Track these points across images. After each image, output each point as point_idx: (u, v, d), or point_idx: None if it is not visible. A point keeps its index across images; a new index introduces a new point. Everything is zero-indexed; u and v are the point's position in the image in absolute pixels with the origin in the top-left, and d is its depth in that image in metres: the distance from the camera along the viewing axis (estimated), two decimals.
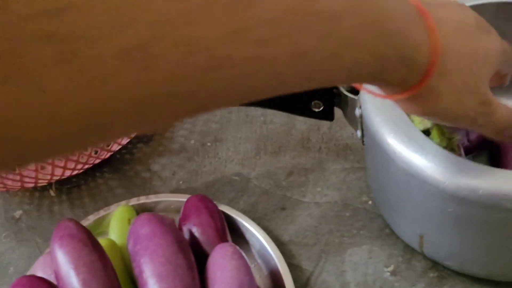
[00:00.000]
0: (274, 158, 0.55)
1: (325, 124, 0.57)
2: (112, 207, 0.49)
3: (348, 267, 0.46)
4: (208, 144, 0.57)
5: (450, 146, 0.38)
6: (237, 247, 0.41)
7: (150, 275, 0.37)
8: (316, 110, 0.46)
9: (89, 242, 0.38)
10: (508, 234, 0.36)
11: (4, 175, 0.45)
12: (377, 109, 0.39)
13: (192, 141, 0.57)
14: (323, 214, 0.50)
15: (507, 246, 0.37)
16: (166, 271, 0.37)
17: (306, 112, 0.47)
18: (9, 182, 0.47)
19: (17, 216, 0.52)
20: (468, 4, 0.39)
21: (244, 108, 0.60)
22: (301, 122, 0.58)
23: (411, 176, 0.36)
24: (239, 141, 0.57)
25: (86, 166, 0.50)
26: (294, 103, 0.46)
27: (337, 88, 0.44)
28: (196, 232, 0.44)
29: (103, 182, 0.54)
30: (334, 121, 0.56)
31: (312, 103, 0.46)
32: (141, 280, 0.37)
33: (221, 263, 0.39)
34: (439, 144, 0.37)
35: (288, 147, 0.56)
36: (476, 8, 0.36)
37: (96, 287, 0.36)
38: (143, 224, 0.40)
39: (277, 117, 0.59)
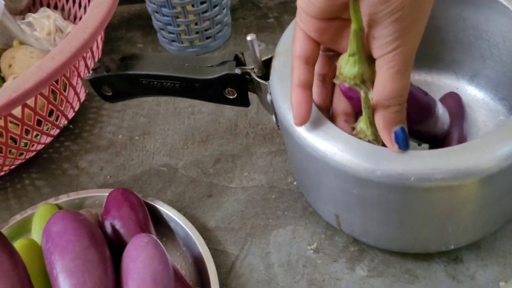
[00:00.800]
0: (201, 147, 0.55)
1: (252, 109, 0.58)
2: (39, 205, 0.49)
3: (272, 248, 0.46)
4: (136, 138, 0.57)
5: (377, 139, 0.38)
6: (153, 237, 0.41)
7: (60, 271, 0.37)
8: (231, 97, 0.46)
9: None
10: (407, 212, 0.37)
11: None
12: (284, 95, 0.40)
13: (120, 136, 0.57)
14: (249, 199, 0.50)
15: (409, 223, 0.38)
16: (75, 267, 0.37)
17: (221, 99, 0.47)
18: None
19: None
20: None
21: (172, 101, 0.60)
22: (229, 110, 0.58)
23: (317, 161, 0.36)
24: (167, 133, 0.57)
25: (12, 167, 0.50)
26: (208, 92, 0.46)
27: (248, 74, 0.45)
28: (117, 225, 0.44)
29: (30, 182, 0.54)
30: (260, 106, 0.57)
31: (226, 90, 0.46)
32: (52, 277, 0.37)
33: (134, 254, 0.39)
34: (366, 136, 0.36)
35: (216, 135, 0.56)
36: None
37: (4, 287, 0.36)
38: (56, 221, 0.40)
39: (205, 107, 0.59)
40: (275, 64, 0.43)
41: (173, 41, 0.64)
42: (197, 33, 0.63)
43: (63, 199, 0.49)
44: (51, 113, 0.51)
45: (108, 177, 0.53)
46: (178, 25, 0.62)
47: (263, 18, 0.69)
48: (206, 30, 0.63)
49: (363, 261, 0.45)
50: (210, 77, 0.45)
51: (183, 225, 0.46)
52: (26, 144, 0.49)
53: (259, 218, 0.49)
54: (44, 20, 0.60)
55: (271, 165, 0.53)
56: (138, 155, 0.55)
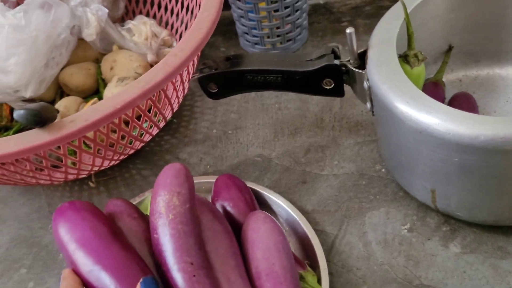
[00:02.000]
0: (291, 139, 0.59)
1: (336, 104, 0.62)
2: (147, 193, 0.54)
3: (368, 228, 0.50)
4: (229, 132, 0.62)
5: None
6: (267, 213, 0.45)
7: None
8: (327, 87, 0.50)
9: (135, 214, 0.43)
10: (506, 176, 0.40)
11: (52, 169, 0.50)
12: (383, 78, 0.44)
13: (214, 131, 0.62)
14: (341, 184, 0.54)
15: (507, 189, 0.41)
16: (206, 237, 0.41)
17: (319, 90, 0.51)
18: (57, 175, 0.51)
19: None
20: None
21: (259, 97, 0.65)
22: (313, 105, 0.62)
23: (419, 133, 0.40)
24: (258, 127, 0.61)
25: (122, 157, 0.55)
26: (307, 83, 0.51)
27: (345, 66, 0.49)
28: (228, 206, 0.48)
29: (137, 172, 0.59)
30: (344, 101, 0.61)
31: (324, 81, 0.50)
32: None
33: (255, 226, 0.43)
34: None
35: (303, 128, 0.60)
36: None
37: (146, 254, 0.41)
38: None
39: (291, 103, 0.63)
40: (370, 54, 0.47)
41: (256, 44, 0.69)
42: (278, 36, 0.68)
43: None
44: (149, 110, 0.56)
45: (208, 166, 0.58)
46: (262, 29, 0.67)
47: (336, 22, 0.73)
48: (287, 33, 0.68)
49: (456, 239, 0.48)
50: (310, 69, 0.49)
51: (285, 206, 0.50)
52: (131, 142, 0.54)
53: (353, 202, 0.52)
54: (142, 26, 0.66)
55: (358, 155, 0.56)
56: (233, 147, 0.60)
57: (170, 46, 0.67)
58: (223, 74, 0.52)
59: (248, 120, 0.62)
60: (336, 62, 0.48)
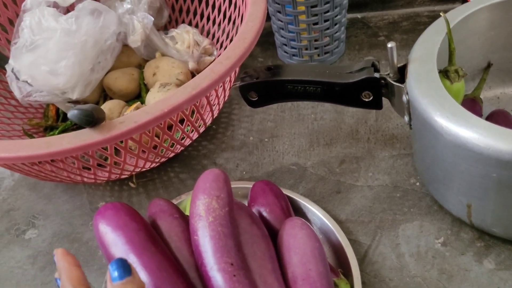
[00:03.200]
0: (326, 149, 0.60)
1: (371, 117, 0.63)
2: (183, 196, 0.55)
3: (402, 240, 0.51)
4: (266, 140, 0.63)
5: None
6: (304, 220, 0.46)
7: None
8: (366, 100, 0.51)
9: (177, 215, 0.45)
10: None
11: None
12: (423, 93, 0.45)
13: (251, 138, 0.63)
14: (375, 196, 0.55)
15: None
16: (244, 240, 0.43)
17: (357, 102, 0.52)
18: (101, 174, 0.53)
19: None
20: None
21: (296, 107, 0.66)
22: (349, 117, 0.63)
23: (458, 147, 0.41)
24: (293, 136, 0.63)
25: (162, 160, 0.57)
26: (346, 95, 0.52)
27: (384, 79, 0.50)
28: (264, 211, 0.50)
29: (175, 175, 0.61)
30: (379, 114, 0.62)
31: (363, 94, 0.51)
32: None
33: (292, 232, 0.44)
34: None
35: (338, 139, 0.61)
36: None
37: (186, 253, 0.42)
38: None
39: (327, 114, 0.64)
40: (411, 68, 0.48)
41: (294, 55, 0.71)
42: (316, 48, 0.69)
43: None
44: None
45: (244, 172, 0.59)
46: (301, 41, 0.68)
47: (373, 36, 0.75)
48: (325, 46, 0.69)
49: (490, 255, 0.48)
50: (350, 81, 0.50)
51: (319, 214, 0.51)
52: (172, 145, 0.56)
53: (387, 213, 0.53)
54: (185, 34, 0.68)
55: (393, 167, 0.57)
56: (269, 155, 0.61)
57: (211, 54, 0.69)
58: (264, 83, 0.53)
59: (284, 129, 0.64)
60: (376, 75, 0.49)
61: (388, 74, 0.50)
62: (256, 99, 0.55)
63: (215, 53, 0.69)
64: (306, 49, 0.69)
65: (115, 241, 0.41)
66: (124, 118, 0.45)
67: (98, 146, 0.44)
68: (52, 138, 0.44)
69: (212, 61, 0.67)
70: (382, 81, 0.50)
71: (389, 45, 0.47)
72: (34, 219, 0.59)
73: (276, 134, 0.63)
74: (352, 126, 0.62)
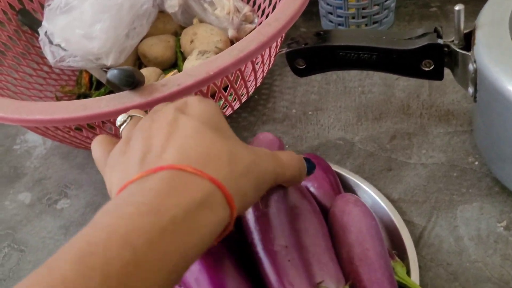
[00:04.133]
0: (375, 124, 0.56)
1: (424, 91, 0.58)
2: None
3: (460, 222, 0.47)
4: (309, 113, 0.59)
5: None
6: (358, 197, 0.43)
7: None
8: (426, 69, 0.47)
9: None
10: None
11: None
12: (494, 60, 0.40)
13: (294, 111, 0.60)
14: (430, 174, 0.51)
15: None
16: (295, 215, 0.39)
17: (416, 72, 0.48)
18: None
19: None
20: None
21: (341, 80, 0.62)
22: (399, 91, 0.59)
23: None
24: (339, 109, 0.59)
25: None
26: (404, 64, 0.47)
27: (448, 46, 0.46)
28: (312, 187, 0.46)
29: None
30: (433, 88, 0.58)
31: (423, 62, 0.47)
32: None
33: (346, 209, 0.41)
34: None
35: (388, 114, 0.57)
36: None
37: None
38: None
39: (375, 87, 0.60)
40: (479, 35, 0.43)
41: (339, 24, 0.66)
42: (364, 17, 0.65)
43: None
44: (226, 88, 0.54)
45: (287, 146, 0.56)
46: (348, 9, 0.64)
47: (425, 7, 0.70)
48: (374, 14, 0.64)
49: None
50: (410, 47, 0.46)
51: (371, 192, 0.48)
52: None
53: (443, 193, 0.49)
54: (224, 0, 0.64)
55: (449, 145, 0.53)
56: (313, 128, 0.57)
57: (252, 22, 0.65)
58: (313, 50, 0.49)
59: (329, 102, 0.60)
60: (440, 41, 0.45)
61: (452, 41, 0.45)
62: (303, 67, 0.51)
63: (256, 20, 0.65)
64: (353, 18, 0.65)
65: None
66: (167, 81, 0.41)
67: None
68: (89, 101, 0.41)
69: (253, 29, 0.63)
70: (445, 49, 0.46)
71: (456, 7, 0.43)
72: (67, 188, 0.56)
73: (320, 107, 0.59)
74: (403, 101, 0.58)
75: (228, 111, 0.54)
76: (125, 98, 0.41)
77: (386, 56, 0.47)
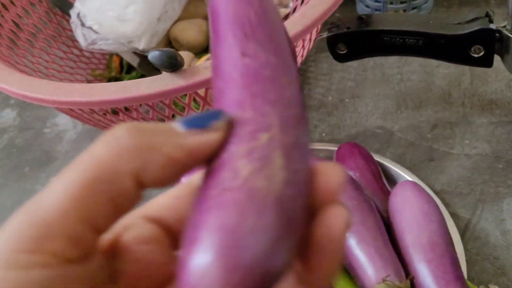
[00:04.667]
0: (416, 112, 0.54)
1: (465, 80, 0.56)
2: None
3: (507, 215, 0.45)
4: (346, 100, 0.57)
5: None
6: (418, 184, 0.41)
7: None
8: (475, 55, 0.45)
9: None
10: None
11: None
12: None
13: (330, 98, 0.58)
14: (474, 166, 0.49)
15: None
16: (352, 206, 0.38)
17: (464, 58, 0.46)
18: None
19: None
20: None
21: (379, 66, 0.60)
22: (440, 79, 0.57)
23: None
24: (378, 97, 0.57)
25: None
26: (453, 49, 0.46)
27: (499, 32, 0.44)
28: (354, 175, 0.45)
29: None
30: (474, 77, 0.56)
31: (472, 48, 0.45)
32: None
33: (409, 199, 0.39)
34: None
35: (429, 102, 0.55)
36: None
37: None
38: None
39: (415, 75, 0.58)
40: None
41: (376, 10, 0.64)
42: (403, 2, 0.63)
43: None
44: None
45: (324, 134, 0.54)
46: None
47: None
48: (413, 0, 0.62)
49: None
50: (460, 32, 0.44)
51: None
52: None
53: (488, 186, 0.47)
54: None
55: (493, 135, 0.51)
56: (351, 116, 0.56)
57: (286, 6, 0.63)
58: (357, 34, 0.48)
59: (366, 89, 0.58)
60: (492, 26, 0.43)
61: (505, 26, 0.43)
62: (344, 52, 0.49)
63: (290, 4, 0.63)
64: (391, 3, 0.63)
65: None
66: (209, 64, 0.40)
67: (180, 93, 0.39)
68: (128, 83, 0.40)
69: (288, 14, 0.62)
70: (497, 34, 0.44)
71: None
72: None
73: (357, 95, 0.58)
74: (443, 89, 0.56)
75: None
76: (166, 80, 0.39)
77: (434, 42, 0.45)
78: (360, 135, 0.54)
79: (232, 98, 0.17)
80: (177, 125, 0.16)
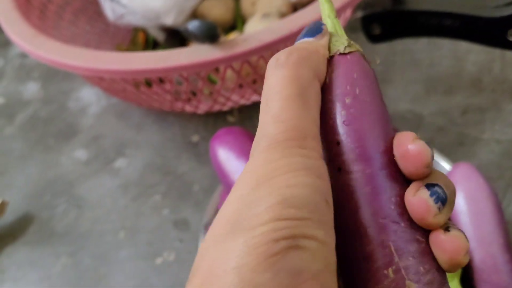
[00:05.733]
0: (445, 97, 0.54)
1: (496, 66, 0.56)
2: None
3: None
4: None
5: None
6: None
7: None
8: None
9: None
10: None
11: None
12: None
13: None
14: (504, 151, 0.49)
15: None
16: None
17: (501, 42, 0.45)
18: (203, 103, 0.49)
19: (194, 141, 0.55)
20: None
21: (408, 51, 0.60)
22: (470, 65, 0.57)
23: None
24: (407, 82, 0.57)
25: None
26: (489, 32, 0.45)
27: None
28: None
29: None
30: (506, 64, 0.55)
31: (509, 32, 0.44)
32: None
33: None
34: None
35: (459, 88, 0.55)
36: None
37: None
38: None
39: (444, 60, 0.58)
40: None
41: None
42: None
43: None
44: None
45: None
46: None
47: None
48: None
49: None
50: (497, 15, 0.44)
51: (444, 166, 0.46)
52: None
53: None
54: None
55: None
56: None
57: None
58: (392, 15, 0.47)
59: (396, 74, 0.58)
60: None
61: None
62: (378, 33, 0.49)
63: None
64: None
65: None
66: (247, 36, 0.40)
67: (218, 64, 0.39)
68: (167, 53, 0.40)
69: None
70: None
71: None
72: (124, 148, 0.55)
73: (386, 79, 0.57)
74: (473, 75, 0.56)
75: None
76: (205, 51, 0.39)
77: (471, 24, 0.45)
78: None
79: None
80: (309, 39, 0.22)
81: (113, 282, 0.44)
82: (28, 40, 0.44)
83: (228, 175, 0.36)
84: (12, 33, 0.46)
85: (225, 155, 0.37)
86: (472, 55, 0.58)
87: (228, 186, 0.36)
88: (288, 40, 0.39)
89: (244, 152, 0.36)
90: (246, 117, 0.56)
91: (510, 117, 0.51)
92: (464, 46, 0.59)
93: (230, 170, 0.36)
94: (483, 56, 0.57)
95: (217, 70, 0.44)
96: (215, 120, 0.56)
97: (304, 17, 0.40)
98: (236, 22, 0.63)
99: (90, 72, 0.41)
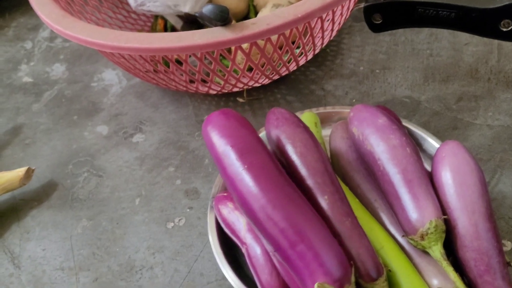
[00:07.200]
0: (442, 85, 0.58)
1: (492, 58, 0.59)
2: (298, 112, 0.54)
3: None
4: (377, 71, 0.61)
5: None
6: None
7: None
8: (505, 30, 0.48)
9: (300, 124, 0.44)
10: None
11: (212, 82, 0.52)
12: None
13: (361, 68, 0.61)
14: (495, 135, 0.52)
15: None
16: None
17: (493, 32, 0.49)
18: (213, 84, 0.53)
19: None
20: None
21: (410, 42, 0.63)
22: (468, 56, 0.60)
23: None
24: (407, 70, 0.60)
25: (276, 76, 0.56)
26: (483, 23, 0.48)
27: None
28: None
29: (281, 96, 0.60)
30: (502, 55, 0.58)
31: (502, 22, 0.48)
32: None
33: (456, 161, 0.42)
34: None
35: (456, 76, 0.58)
36: None
37: (311, 159, 0.41)
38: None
39: (443, 51, 0.61)
40: None
41: None
42: None
43: (320, 110, 0.54)
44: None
45: (354, 100, 0.58)
46: None
47: None
48: None
49: None
50: (490, 6, 0.47)
51: (437, 146, 0.49)
52: (290, 61, 0.54)
53: (508, 154, 0.50)
54: None
55: None
56: (380, 86, 0.59)
57: None
58: (393, 5, 0.51)
59: (397, 62, 0.61)
60: None
61: None
62: (379, 22, 0.53)
63: None
64: None
65: (223, 144, 0.39)
66: (256, 20, 0.44)
67: (229, 45, 0.43)
68: (183, 33, 0.44)
69: None
70: None
71: None
72: (141, 124, 0.60)
73: (388, 66, 0.61)
74: (471, 65, 0.59)
75: (302, 61, 0.56)
76: (217, 33, 0.43)
77: (466, 15, 0.48)
78: (388, 103, 0.57)
79: None
80: None
81: (128, 243, 0.49)
82: (58, 21, 0.48)
83: (221, 158, 0.39)
84: (42, 14, 0.50)
85: (217, 139, 0.40)
86: (471, 46, 0.61)
87: (221, 169, 0.39)
88: (293, 25, 0.43)
89: (235, 136, 0.39)
90: (255, 98, 0.60)
91: (503, 105, 0.54)
92: (463, 38, 0.62)
93: (221, 153, 0.39)
94: (481, 48, 0.60)
95: (229, 51, 0.48)
96: (226, 101, 0.60)
97: (309, 3, 0.44)
98: (249, 12, 0.67)
99: (114, 50, 0.45)
